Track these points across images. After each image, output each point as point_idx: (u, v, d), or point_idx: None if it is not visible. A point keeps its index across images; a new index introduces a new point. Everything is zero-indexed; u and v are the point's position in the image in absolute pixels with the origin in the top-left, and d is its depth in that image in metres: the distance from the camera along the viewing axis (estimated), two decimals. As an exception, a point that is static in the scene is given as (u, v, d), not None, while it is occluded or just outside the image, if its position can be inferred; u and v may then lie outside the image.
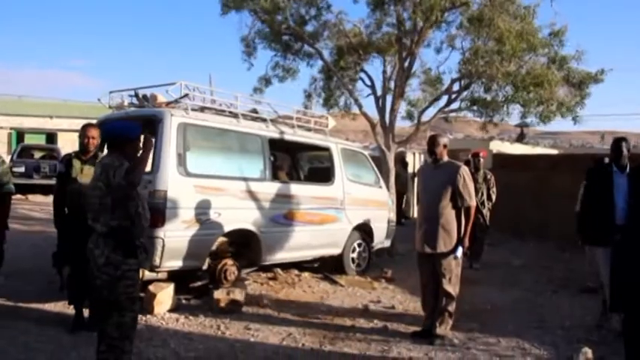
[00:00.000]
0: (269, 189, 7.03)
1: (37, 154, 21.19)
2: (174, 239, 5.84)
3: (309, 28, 10.77)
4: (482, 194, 9.17)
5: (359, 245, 8.54)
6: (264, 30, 10.81)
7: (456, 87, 10.30)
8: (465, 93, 10.27)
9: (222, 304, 6.04)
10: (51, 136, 28.35)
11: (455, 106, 10.55)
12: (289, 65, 11.40)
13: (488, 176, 9.45)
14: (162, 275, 6.09)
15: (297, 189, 7.53)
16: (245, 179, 6.74)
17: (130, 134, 3.95)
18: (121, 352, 3.78)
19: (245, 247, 6.84)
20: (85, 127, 5.51)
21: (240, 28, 10.92)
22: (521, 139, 25.92)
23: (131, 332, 3.86)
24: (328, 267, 8.39)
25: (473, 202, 5.34)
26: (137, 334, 5.03)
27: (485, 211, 9.29)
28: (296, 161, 9.82)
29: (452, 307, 5.37)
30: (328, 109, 12.02)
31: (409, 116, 11.58)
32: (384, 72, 10.93)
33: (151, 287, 5.94)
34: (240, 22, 11.85)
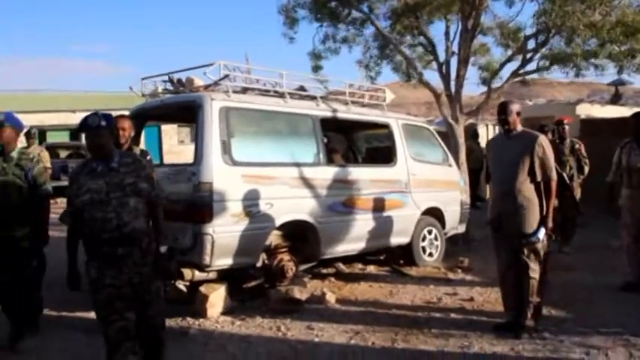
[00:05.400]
0: (324, 174, 7.22)
1: (63, 153, 22.02)
2: (224, 235, 6.09)
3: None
4: (570, 167, 9.12)
5: (429, 232, 8.64)
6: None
7: (531, 44, 10.16)
8: (542, 50, 10.11)
9: (281, 304, 6.30)
10: (75, 133, 29.24)
11: (531, 67, 10.44)
12: (341, 35, 11.51)
13: (577, 146, 9.38)
14: (213, 275, 6.35)
15: (355, 172, 7.71)
16: (297, 165, 6.95)
17: (83, 125, 3.86)
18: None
19: (302, 240, 7.06)
20: (116, 118, 5.87)
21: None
22: (616, 100, 25.15)
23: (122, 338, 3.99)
24: (396, 258, 8.57)
25: (554, 175, 5.34)
26: (191, 338, 5.39)
27: (575, 186, 9.16)
28: (352, 142, 10.00)
29: (539, 296, 5.37)
30: (374, 79, 12.04)
31: (483, 81, 11.54)
32: (447, 34, 10.89)
33: (202, 289, 6.23)
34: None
